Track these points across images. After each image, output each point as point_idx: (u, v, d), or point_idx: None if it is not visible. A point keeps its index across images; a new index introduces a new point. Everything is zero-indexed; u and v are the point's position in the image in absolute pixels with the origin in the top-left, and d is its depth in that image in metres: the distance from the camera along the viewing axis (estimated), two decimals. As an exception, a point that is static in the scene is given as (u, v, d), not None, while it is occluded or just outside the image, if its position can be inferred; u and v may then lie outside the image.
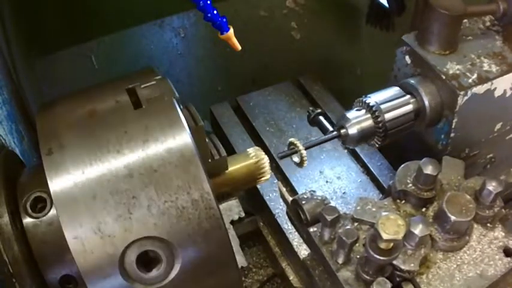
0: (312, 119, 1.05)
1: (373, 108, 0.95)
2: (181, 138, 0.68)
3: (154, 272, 0.67)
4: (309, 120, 1.06)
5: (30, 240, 0.71)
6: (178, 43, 1.73)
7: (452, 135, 0.99)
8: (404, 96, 0.99)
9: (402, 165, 0.99)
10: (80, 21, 1.52)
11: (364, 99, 0.97)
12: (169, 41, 1.72)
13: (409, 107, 0.97)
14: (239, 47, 1.21)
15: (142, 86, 0.74)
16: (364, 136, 0.95)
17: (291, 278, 1.10)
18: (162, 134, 0.68)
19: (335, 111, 1.35)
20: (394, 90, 1.00)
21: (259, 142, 1.30)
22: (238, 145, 1.28)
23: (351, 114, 0.97)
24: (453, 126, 0.99)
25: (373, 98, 0.97)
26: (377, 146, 0.98)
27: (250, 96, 1.41)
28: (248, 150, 0.96)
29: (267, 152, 1.19)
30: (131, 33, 1.65)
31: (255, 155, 0.95)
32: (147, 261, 0.67)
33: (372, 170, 1.21)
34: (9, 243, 0.69)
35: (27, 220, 0.72)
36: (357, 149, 1.25)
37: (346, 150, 1.27)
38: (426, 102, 0.97)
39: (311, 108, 1.07)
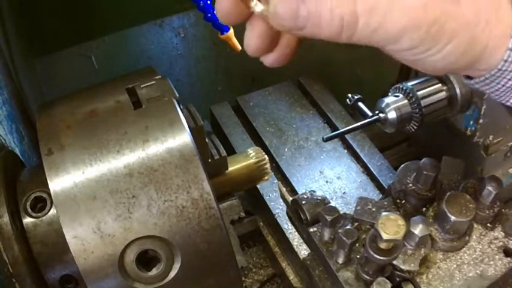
0: (352, 104, 1.10)
1: (410, 94, 0.97)
2: (181, 138, 0.68)
3: (154, 272, 0.67)
4: (349, 106, 1.11)
5: (30, 240, 0.71)
6: (178, 43, 1.73)
7: (480, 121, 1.03)
8: (437, 84, 1.02)
9: (402, 165, 0.99)
10: (80, 21, 1.52)
11: (401, 86, 1.00)
12: (169, 41, 1.71)
13: (443, 94, 1.01)
14: (239, 47, 1.22)
15: (142, 85, 0.74)
16: (402, 120, 0.99)
17: (291, 278, 1.10)
18: (162, 134, 0.68)
19: (335, 111, 1.35)
20: (427, 79, 1.03)
21: (259, 142, 1.30)
22: (238, 145, 1.28)
23: (389, 99, 1.00)
24: (482, 113, 1.02)
25: (409, 85, 1.00)
26: (412, 130, 1.02)
27: (250, 96, 1.41)
28: (248, 150, 0.96)
29: (267, 152, 1.19)
30: (131, 33, 1.65)
31: (255, 155, 0.95)
32: (146, 260, 0.68)
33: (372, 170, 1.21)
34: (9, 243, 0.69)
35: (27, 220, 0.72)
36: (357, 149, 1.25)
37: (346, 150, 1.27)
38: (457, 90, 1.00)
39: (350, 94, 1.10)
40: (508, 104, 0.64)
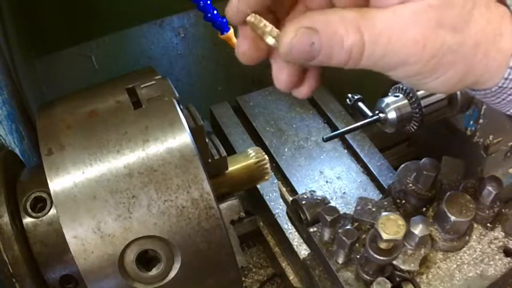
0: (352, 104, 1.10)
1: (410, 94, 0.98)
2: (181, 138, 0.68)
3: (154, 272, 0.67)
4: (349, 106, 1.11)
5: (30, 240, 0.71)
6: (178, 43, 1.73)
7: (480, 121, 1.04)
8: None
9: (402, 165, 0.99)
10: (80, 21, 1.52)
11: (401, 86, 1.00)
12: (169, 41, 1.71)
13: (443, 94, 1.00)
14: (239, 47, 1.21)
15: (142, 85, 0.74)
16: (402, 120, 0.99)
17: (291, 278, 1.10)
18: (162, 134, 0.68)
19: (335, 111, 1.35)
20: None
21: (259, 142, 1.30)
22: (238, 145, 1.28)
23: (389, 99, 1.00)
24: (482, 113, 1.02)
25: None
26: (412, 130, 1.02)
27: (250, 96, 1.41)
28: (248, 150, 0.96)
29: (267, 152, 1.19)
30: (131, 33, 1.65)
31: (255, 155, 0.95)
32: (146, 260, 0.68)
33: (372, 170, 1.21)
34: (9, 243, 0.69)
35: (27, 220, 0.72)
36: (357, 149, 1.25)
37: (346, 150, 1.27)
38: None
39: (350, 94, 1.10)
40: (508, 113, 0.65)
